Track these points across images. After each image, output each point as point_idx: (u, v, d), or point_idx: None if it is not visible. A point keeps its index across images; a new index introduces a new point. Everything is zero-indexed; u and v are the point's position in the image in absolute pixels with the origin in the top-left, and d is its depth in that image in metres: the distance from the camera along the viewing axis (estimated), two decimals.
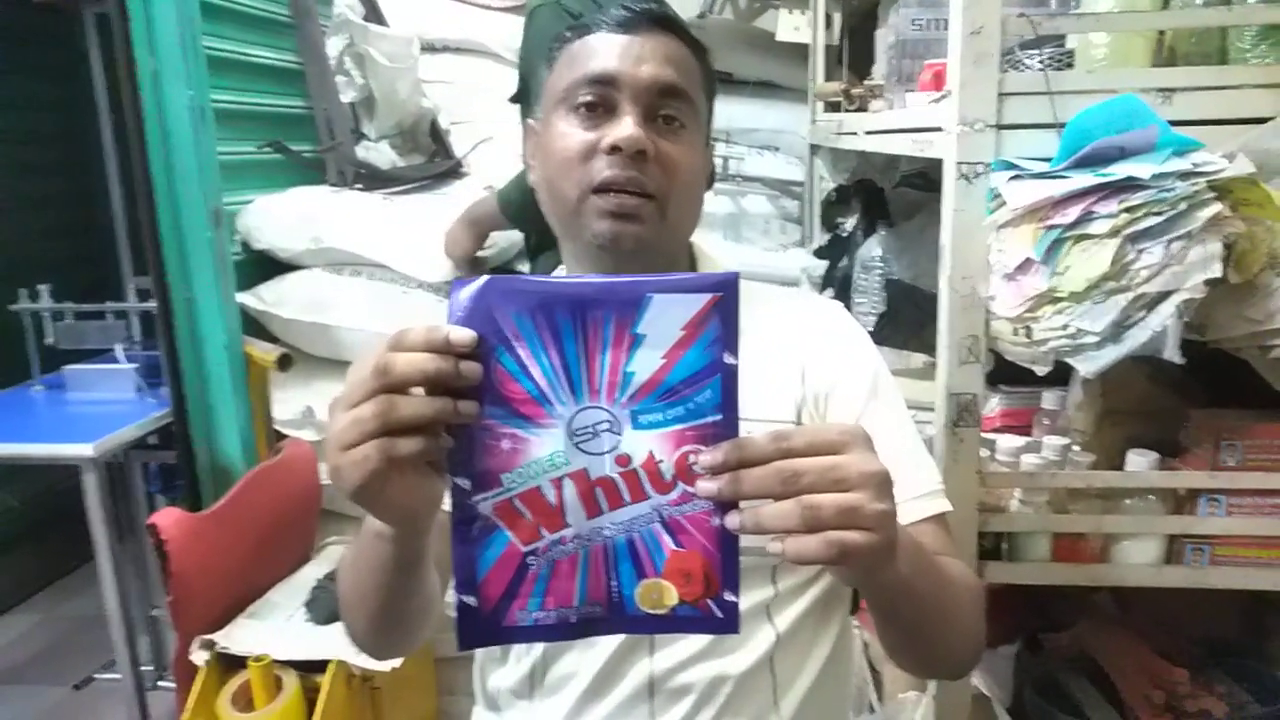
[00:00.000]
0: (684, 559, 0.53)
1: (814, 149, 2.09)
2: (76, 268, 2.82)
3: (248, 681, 1.42)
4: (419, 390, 0.51)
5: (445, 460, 0.52)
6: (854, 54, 1.99)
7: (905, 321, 1.49)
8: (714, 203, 2.06)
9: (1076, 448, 1.12)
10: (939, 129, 1.00)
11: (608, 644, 0.75)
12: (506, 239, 1.83)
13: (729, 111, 2.06)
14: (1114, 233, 0.86)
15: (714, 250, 0.89)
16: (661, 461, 0.52)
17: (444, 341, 0.50)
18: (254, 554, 1.61)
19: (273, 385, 1.81)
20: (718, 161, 2.02)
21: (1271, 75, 0.92)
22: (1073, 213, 0.87)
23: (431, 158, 2.21)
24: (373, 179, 2.03)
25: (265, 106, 2.01)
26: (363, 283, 1.83)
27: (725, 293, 0.50)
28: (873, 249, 1.59)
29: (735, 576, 0.53)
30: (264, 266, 1.89)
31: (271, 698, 1.41)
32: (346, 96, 2.07)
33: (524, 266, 1.83)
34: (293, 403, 1.84)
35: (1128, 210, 0.85)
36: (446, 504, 0.54)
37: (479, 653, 0.87)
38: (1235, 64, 0.97)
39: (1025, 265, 0.90)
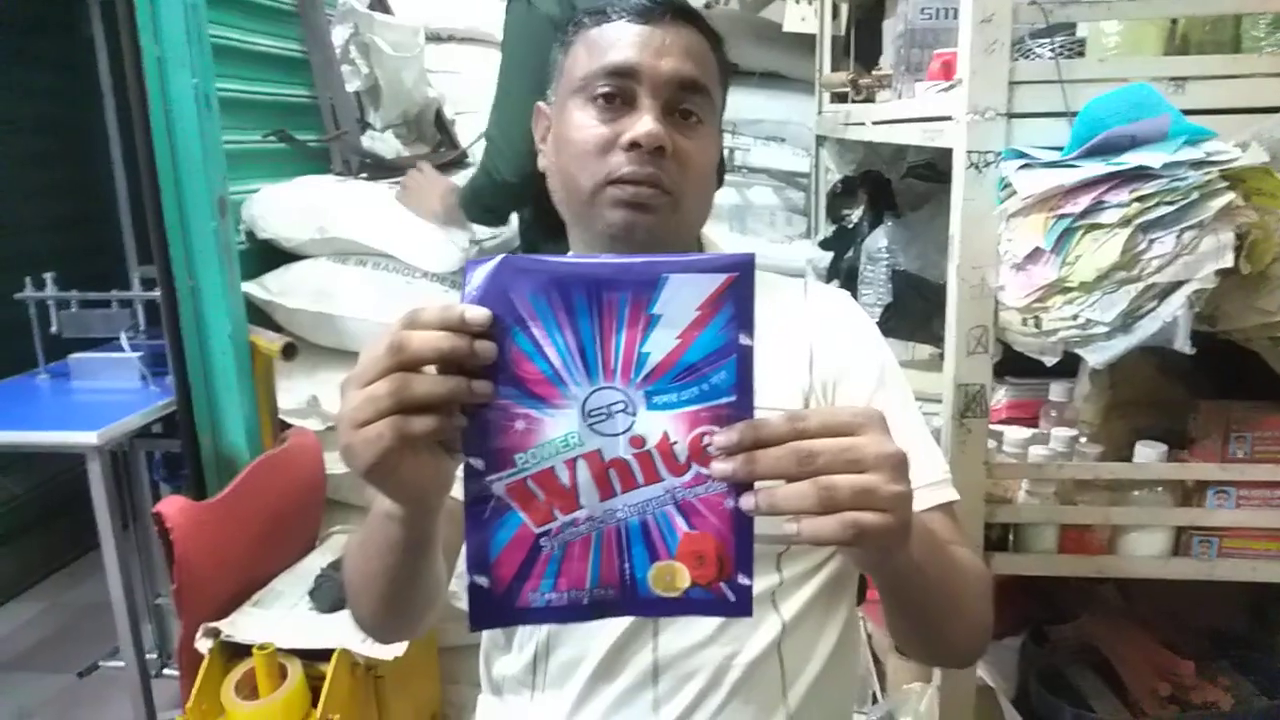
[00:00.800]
0: (697, 541, 0.52)
1: (820, 140, 2.08)
2: (81, 256, 2.82)
3: (252, 670, 1.42)
4: (433, 369, 0.50)
5: (458, 440, 0.52)
6: (861, 44, 1.98)
7: (911, 313, 1.48)
8: (720, 194, 2.04)
9: (1084, 439, 1.11)
10: (949, 118, 0.99)
11: (611, 631, 0.75)
12: (512, 229, 1.83)
13: (735, 102, 2.03)
14: (1125, 222, 0.85)
15: (722, 241, 0.89)
16: (676, 443, 0.51)
17: (459, 320, 0.49)
18: (258, 543, 1.61)
19: (277, 374, 1.81)
20: (722, 154, 2.02)
21: None
22: (1083, 202, 0.87)
23: (436, 147, 2.20)
24: (378, 168, 2.02)
25: (270, 95, 2.00)
26: (367, 272, 1.83)
27: (741, 273, 0.50)
28: (879, 240, 1.59)
29: (749, 559, 0.53)
30: (269, 256, 1.89)
31: (276, 686, 1.42)
32: (352, 86, 2.07)
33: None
34: (297, 392, 1.84)
35: (1139, 199, 0.85)
36: (457, 490, 0.54)
37: (484, 640, 0.87)
38: (1248, 52, 0.96)
39: (1035, 255, 0.90)
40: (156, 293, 1.72)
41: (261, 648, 1.41)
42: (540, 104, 0.83)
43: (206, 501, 1.52)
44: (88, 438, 1.68)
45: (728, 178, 2.08)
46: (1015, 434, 1.11)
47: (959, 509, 0.80)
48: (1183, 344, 0.86)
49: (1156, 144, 0.86)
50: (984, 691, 1.17)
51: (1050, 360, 0.95)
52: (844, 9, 2.02)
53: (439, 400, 0.50)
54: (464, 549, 0.54)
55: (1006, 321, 0.96)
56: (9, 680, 2.36)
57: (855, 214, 1.82)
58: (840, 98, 1.85)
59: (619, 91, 0.73)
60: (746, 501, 0.51)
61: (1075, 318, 0.89)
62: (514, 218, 1.74)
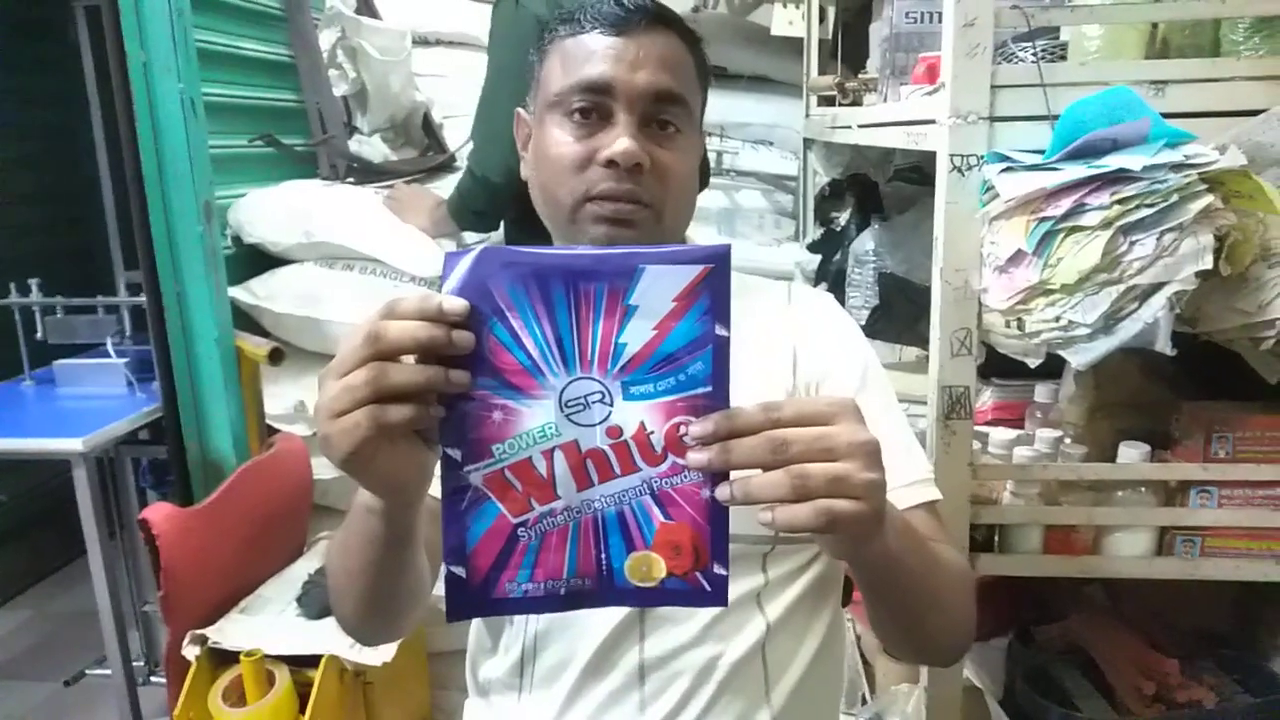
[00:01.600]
0: (673, 531, 0.53)
1: (808, 143, 2.09)
2: (67, 262, 2.81)
3: (240, 676, 1.42)
4: (411, 359, 0.50)
5: (436, 430, 0.52)
6: (848, 48, 1.98)
7: (898, 315, 1.49)
8: (708, 198, 2.06)
9: (1068, 440, 1.12)
10: (932, 121, 1.00)
11: (598, 632, 0.75)
12: (498, 232, 1.83)
13: (723, 106, 2.06)
14: (1106, 224, 0.86)
15: (709, 243, 0.89)
16: (652, 433, 0.52)
17: (437, 310, 0.50)
18: (246, 549, 1.61)
19: (264, 380, 1.80)
20: (711, 156, 2.03)
21: (1264, 68, 0.92)
22: (1065, 204, 0.87)
23: (424, 152, 2.20)
24: (365, 173, 2.02)
25: (257, 100, 2.00)
26: (354, 277, 1.82)
27: (717, 264, 0.50)
28: (866, 243, 1.59)
29: (725, 549, 0.53)
30: (255, 260, 1.89)
31: (263, 693, 1.41)
32: (339, 90, 2.06)
33: None
34: (284, 397, 1.83)
35: (1120, 202, 0.85)
36: (438, 489, 0.54)
37: (471, 643, 0.86)
38: (1228, 56, 0.97)
39: (1017, 257, 0.90)
40: (142, 298, 1.71)
41: (249, 654, 1.40)
42: (520, 111, 0.84)
43: (193, 508, 1.52)
44: (73, 444, 1.67)
45: (715, 180, 2.09)
46: (1000, 435, 1.12)
47: (943, 509, 0.81)
48: (1164, 345, 0.87)
49: (1137, 147, 0.87)
50: (971, 692, 1.17)
51: (1033, 362, 0.95)
52: (831, 13, 2.03)
53: (416, 389, 0.50)
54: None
55: (990, 323, 0.97)
56: None
57: (843, 217, 1.83)
58: (827, 101, 1.86)
59: (594, 107, 0.73)
60: (722, 491, 0.51)
61: (1057, 319, 0.89)
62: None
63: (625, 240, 0.73)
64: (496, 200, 1.59)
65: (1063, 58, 1.00)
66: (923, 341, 1.53)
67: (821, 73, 2.01)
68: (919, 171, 1.69)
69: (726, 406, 0.51)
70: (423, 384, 0.50)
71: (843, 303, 1.13)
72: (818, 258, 1.84)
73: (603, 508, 0.53)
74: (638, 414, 0.52)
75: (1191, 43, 1.01)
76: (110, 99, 1.65)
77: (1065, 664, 1.20)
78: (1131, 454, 1.04)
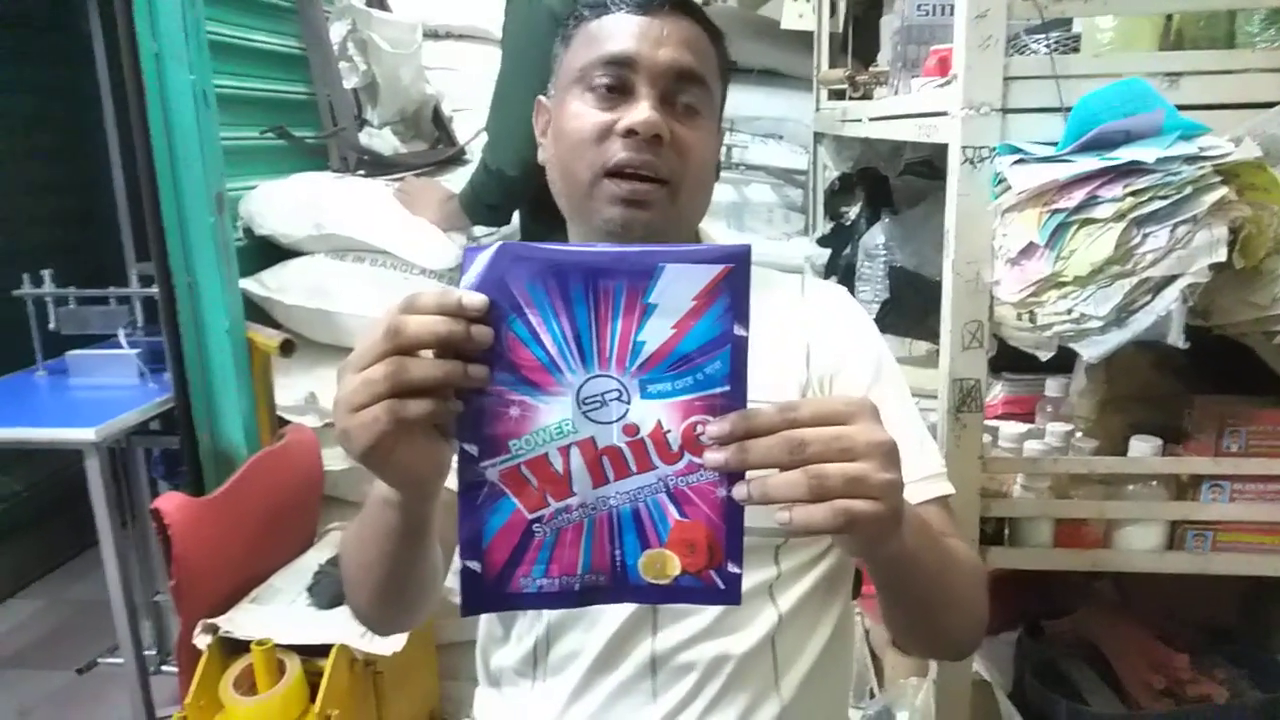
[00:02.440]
0: (688, 529, 0.53)
1: (818, 137, 2.08)
2: (79, 253, 2.83)
3: (250, 666, 1.42)
4: (429, 354, 0.51)
5: (453, 425, 0.52)
6: (858, 41, 1.98)
7: (908, 309, 1.49)
8: (717, 191, 2.03)
9: (1079, 434, 1.12)
10: (944, 113, 0.99)
11: (610, 623, 0.76)
12: (511, 226, 1.83)
13: (733, 99, 2.03)
14: (1119, 217, 0.85)
15: (721, 238, 0.89)
16: (669, 431, 0.52)
17: (456, 305, 0.50)
18: (257, 539, 1.62)
19: (275, 371, 1.81)
20: (720, 150, 2.02)
21: (1279, 59, 0.91)
22: (1077, 196, 0.87)
23: (434, 144, 2.20)
24: (375, 165, 2.02)
25: (268, 92, 2.00)
26: (365, 269, 1.83)
27: (737, 264, 0.50)
28: (876, 237, 1.59)
29: (739, 548, 0.53)
30: (266, 252, 1.89)
31: (274, 682, 1.42)
32: (349, 82, 2.07)
33: None
34: (295, 388, 1.84)
35: (1133, 194, 0.85)
36: (453, 482, 0.54)
37: (481, 632, 0.87)
38: (1242, 48, 0.97)
39: (1029, 250, 0.90)
40: (154, 289, 1.72)
41: (260, 643, 1.41)
42: (541, 98, 0.84)
43: (204, 498, 1.53)
44: (86, 434, 1.68)
45: (726, 175, 2.09)
46: (1011, 429, 1.11)
47: (954, 503, 0.81)
48: (1176, 338, 0.87)
49: (1150, 139, 0.87)
50: (980, 685, 1.17)
51: (1045, 355, 0.95)
52: (841, 6, 2.02)
53: (435, 384, 0.50)
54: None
55: (1001, 316, 0.97)
56: (8, 677, 2.37)
57: (853, 211, 1.83)
58: (838, 95, 1.85)
59: (617, 81, 0.74)
60: (738, 491, 0.51)
61: (1069, 312, 0.89)
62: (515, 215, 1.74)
63: (640, 222, 0.73)
64: (510, 194, 1.59)
65: (1076, 49, 1.00)
66: (933, 335, 1.52)
67: (832, 66, 2.00)
68: (929, 165, 1.68)
69: (744, 406, 0.51)
70: (441, 379, 0.50)
71: (853, 296, 1.13)
72: (827, 252, 1.84)
73: (618, 505, 0.53)
74: (655, 412, 0.52)
75: (1206, 34, 1.01)
76: (122, 91, 1.66)
77: (1075, 658, 1.20)
78: (1143, 448, 1.03)
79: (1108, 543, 1.06)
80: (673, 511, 0.53)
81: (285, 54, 2.06)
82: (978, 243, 0.96)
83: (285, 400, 1.83)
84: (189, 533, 1.43)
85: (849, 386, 0.79)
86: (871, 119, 1.46)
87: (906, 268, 1.51)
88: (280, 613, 1.54)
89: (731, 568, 0.53)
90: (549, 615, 0.78)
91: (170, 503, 1.43)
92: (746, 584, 0.55)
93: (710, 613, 0.75)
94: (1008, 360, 1.13)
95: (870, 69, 1.66)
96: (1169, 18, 1.02)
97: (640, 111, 0.72)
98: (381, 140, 2.12)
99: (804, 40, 2.09)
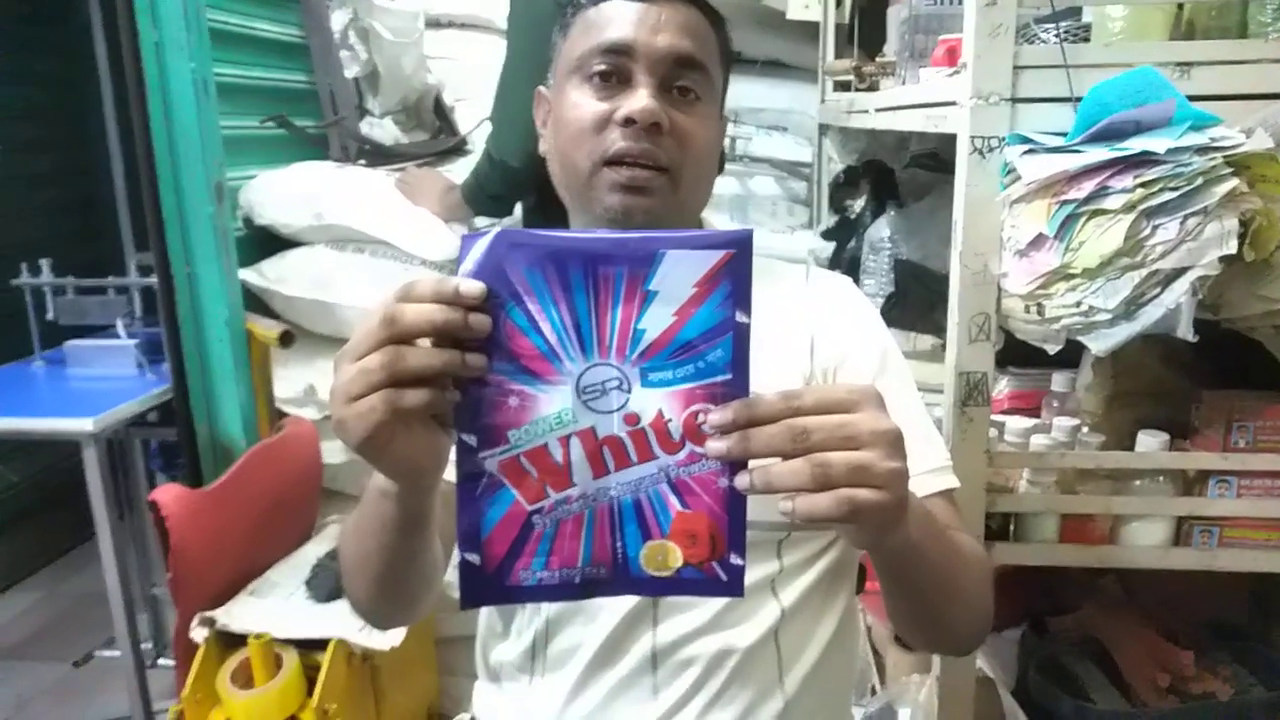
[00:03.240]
0: (690, 520, 0.52)
1: (823, 129, 2.07)
2: (78, 243, 2.82)
3: (247, 659, 1.42)
4: (426, 343, 0.50)
5: (452, 415, 0.51)
6: (864, 32, 1.96)
7: (914, 302, 1.48)
8: (721, 184, 2.02)
9: (1086, 429, 1.11)
10: (953, 103, 0.98)
11: (610, 617, 0.75)
12: (513, 217, 1.82)
13: (737, 91, 2.02)
14: (1129, 208, 0.84)
15: (724, 227, 0.88)
16: (670, 420, 0.51)
17: (453, 293, 0.49)
18: (255, 532, 1.61)
19: (274, 362, 1.80)
20: (725, 142, 2.01)
21: None
22: (1087, 187, 0.86)
23: (435, 134, 2.19)
24: (376, 155, 2.01)
25: (269, 81, 1.99)
26: (365, 260, 1.82)
27: (738, 250, 0.49)
28: (882, 230, 1.58)
29: (741, 539, 0.52)
30: (266, 243, 1.88)
31: (271, 675, 1.41)
32: (350, 72, 2.06)
33: None
34: (294, 380, 1.83)
35: (1143, 185, 0.84)
36: (452, 474, 0.53)
37: (481, 627, 0.86)
38: (1255, 38, 0.95)
39: (1038, 241, 0.89)
40: (153, 279, 1.71)
41: (257, 637, 1.40)
42: (541, 89, 0.83)
43: (202, 490, 1.52)
44: (83, 425, 1.67)
45: (729, 167, 2.07)
46: (1017, 423, 1.10)
47: (959, 497, 0.80)
48: (1185, 331, 0.86)
49: (1161, 129, 0.85)
50: (984, 682, 1.16)
51: (1053, 348, 0.94)
52: None
53: (432, 373, 0.49)
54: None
55: (1009, 309, 0.96)
56: (5, 669, 2.36)
57: (858, 204, 1.81)
58: (843, 86, 1.84)
59: (615, 69, 0.73)
60: (741, 480, 0.51)
61: (1078, 305, 0.88)
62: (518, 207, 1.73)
63: (641, 209, 0.72)
64: (513, 185, 1.58)
65: (1086, 39, 0.99)
66: (938, 329, 1.52)
67: (837, 57, 1.99)
68: (935, 158, 1.67)
69: (746, 394, 0.50)
70: (439, 368, 0.49)
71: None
72: (832, 245, 1.83)
73: (619, 495, 0.52)
74: (656, 401, 0.51)
75: (1218, 24, 0.99)
76: (122, 80, 1.64)
77: (1079, 655, 1.20)
78: (1150, 443, 1.02)
79: (1113, 538, 1.05)
80: (674, 502, 0.52)
81: (286, 43, 2.05)
82: (986, 234, 0.95)
83: (284, 392, 1.82)
84: (187, 525, 1.42)
85: (853, 377, 0.78)
86: (879, 110, 1.45)
87: (912, 261, 1.50)
88: (278, 606, 1.53)
89: (734, 559, 0.52)
90: (548, 609, 0.78)
91: (168, 494, 1.42)
92: (749, 579, 0.54)
93: (711, 607, 0.74)
94: (1013, 355, 1.12)
95: (877, 60, 1.64)
96: (1180, 7, 1.00)
97: (638, 100, 0.71)
98: (382, 130, 2.11)
99: (809, 31, 2.08)
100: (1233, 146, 0.84)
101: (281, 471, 1.68)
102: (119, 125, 2.74)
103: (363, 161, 2.01)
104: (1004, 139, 0.93)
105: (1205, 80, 0.91)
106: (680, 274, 0.49)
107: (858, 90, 1.68)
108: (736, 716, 0.74)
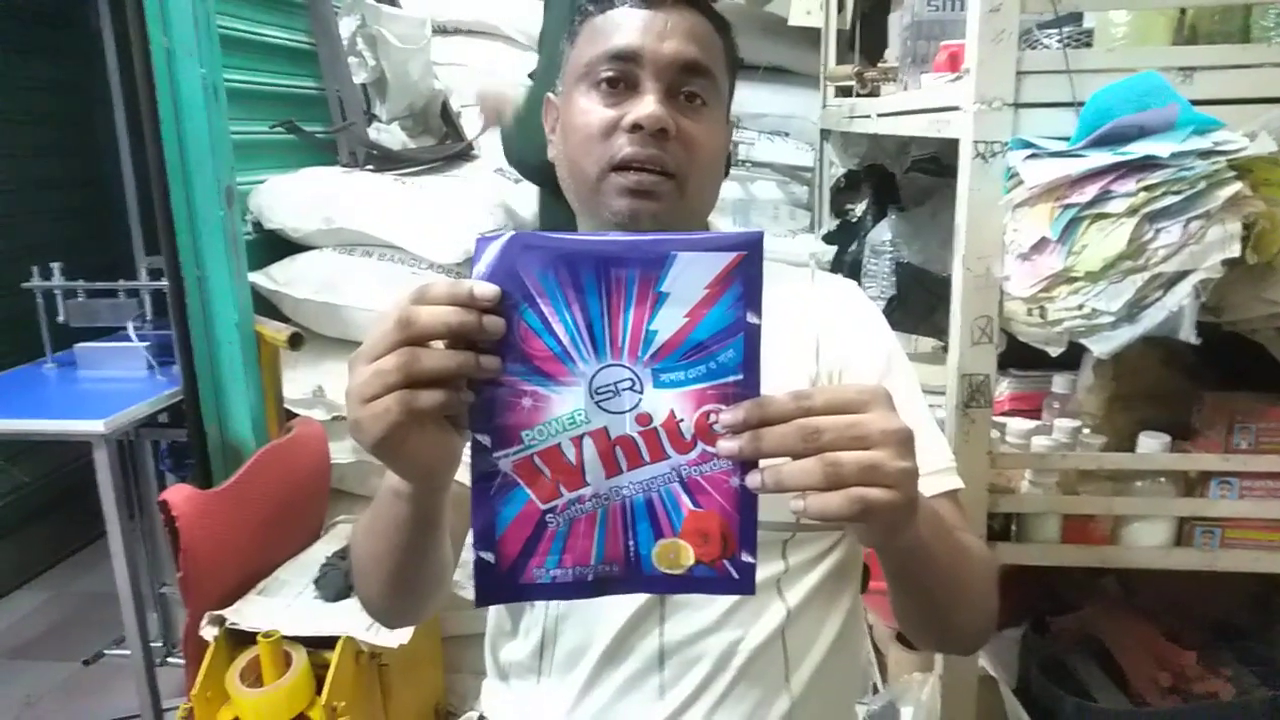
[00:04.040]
0: (702, 519, 0.53)
1: (824, 134, 2.08)
2: (89, 247, 2.84)
3: (257, 657, 1.43)
4: (441, 344, 0.50)
5: (466, 416, 0.52)
6: (866, 38, 1.98)
7: (915, 305, 1.49)
8: (724, 188, 2.04)
9: (1087, 430, 1.12)
10: (956, 108, 0.99)
11: (617, 616, 0.75)
12: (518, 220, 1.84)
13: (739, 96, 2.02)
14: (1132, 212, 0.85)
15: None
16: (682, 420, 0.52)
17: (468, 295, 0.50)
18: (264, 531, 1.62)
19: (284, 364, 1.82)
20: (731, 142, 2.02)
21: None
22: (1090, 191, 0.87)
23: (443, 140, 2.21)
24: (384, 160, 2.03)
25: (278, 86, 2.01)
26: (373, 263, 1.83)
27: (750, 251, 0.50)
28: (883, 233, 1.59)
29: (753, 537, 0.53)
30: (275, 246, 1.90)
31: (280, 674, 1.42)
32: (359, 77, 2.07)
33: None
34: (303, 382, 1.85)
35: (1146, 189, 0.85)
36: (464, 476, 0.54)
37: (490, 626, 0.87)
38: (1257, 42, 0.96)
39: (1041, 245, 0.90)
40: (163, 282, 1.72)
41: (266, 635, 1.41)
42: (549, 95, 0.84)
43: (212, 490, 1.53)
44: (94, 426, 1.68)
45: (732, 172, 2.08)
46: (1019, 424, 1.11)
47: (962, 498, 0.81)
48: (1188, 334, 0.86)
49: (1164, 134, 0.86)
50: (986, 681, 1.17)
51: (1055, 351, 0.95)
52: (849, 2, 2.02)
53: (447, 375, 0.50)
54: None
55: (1011, 312, 0.97)
56: (15, 668, 2.37)
57: (859, 208, 1.83)
58: (844, 92, 1.85)
59: (622, 75, 0.74)
60: (752, 479, 0.51)
61: (1081, 307, 0.89)
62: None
63: (648, 213, 0.73)
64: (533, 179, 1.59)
65: (1088, 44, 0.99)
66: (939, 332, 1.53)
67: (839, 63, 2.00)
68: (936, 162, 1.68)
69: (757, 395, 0.51)
70: (454, 369, 0.50)
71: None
72: (833, 248, 1.84)
73: (631, 495, 0.53)
74: (668, 401, 0.52)
75: (1220, 29, 1.00)
76: (132, 85, 1.66)
77: (1081, 654, 1.20)
78: (1152, 444, 1.03)
79: (1115, 539, 1.06)
80: (686, 501, 0.53)
81: (295, 49, 2.07)
82: (988, 238, 0.96)
83: (293, 393, 1.84)
84: (196, 525, 1.43)
85: (858, 380, 0.79)
86: (881, 115, 1.46)
87: (913, 264, 1.51)
88: (287, 605, 1.55)
89: (745, 557, 0.53)
90: (555, 608, 0.78)
91: (178, 495, 1.44)
92: (756, 576, 0.55)
93: (718, 606, 0.75)
94: (1014, 356, 1.13)
95: (878, 65, 1.65)
96: (1183, 12, 1.01)
97: (645, 106, 0.72)
98: (390, 135, 2.12)
99: (811, 37, 2.09)
100: (1235, 150, 0.85)
101: (290, 472, 1.70)
102: (130, 130, 2.75)
103: (370, 166, 2.02)
104: (1007, 144, 0.93)
105: (1208, 85, 0.91)
106: (692, 275, 0.50)
107: (859, 95, 1.69)
108: (743, 716, 0.75)
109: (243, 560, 1.58)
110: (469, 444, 0.53)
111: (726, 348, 0.51)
